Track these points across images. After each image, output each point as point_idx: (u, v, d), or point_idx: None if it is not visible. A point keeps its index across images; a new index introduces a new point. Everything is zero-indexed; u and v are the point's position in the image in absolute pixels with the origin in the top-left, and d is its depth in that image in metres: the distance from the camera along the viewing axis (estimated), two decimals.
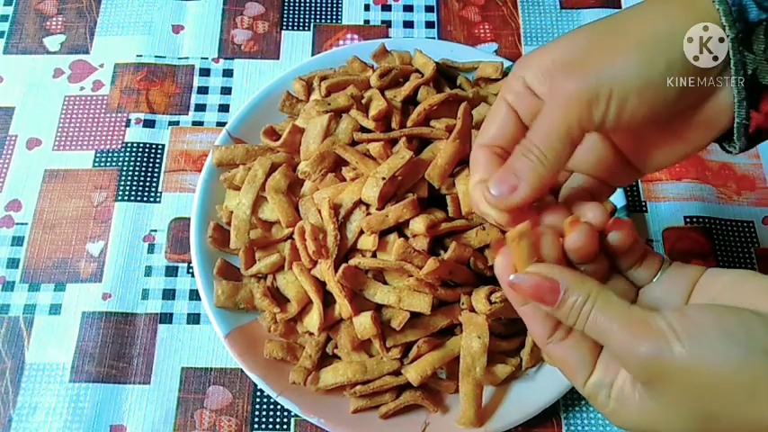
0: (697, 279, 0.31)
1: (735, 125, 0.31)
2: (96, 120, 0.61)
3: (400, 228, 0.48)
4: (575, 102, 0.29)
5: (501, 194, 0.30)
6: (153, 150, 0.59)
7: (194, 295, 0.53)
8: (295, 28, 0.66)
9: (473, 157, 0.33)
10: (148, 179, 0.58)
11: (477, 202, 0.32)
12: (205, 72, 0.63)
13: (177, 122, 0.61)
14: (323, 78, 0.55)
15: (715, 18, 0.29)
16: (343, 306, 0.46)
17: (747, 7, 0.28)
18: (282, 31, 0.66)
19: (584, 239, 0.30)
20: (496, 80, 0.57)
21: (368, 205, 0.48)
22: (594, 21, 0.32)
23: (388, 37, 0.65)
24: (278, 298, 0.49)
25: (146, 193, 0.57)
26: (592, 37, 0.31)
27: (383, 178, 0.46)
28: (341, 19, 0.67)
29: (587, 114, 0.29)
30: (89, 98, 0.62)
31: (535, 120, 0.31)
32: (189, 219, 0.53)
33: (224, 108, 0.62)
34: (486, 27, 0.67)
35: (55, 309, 0.53)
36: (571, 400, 0.50)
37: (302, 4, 0.67)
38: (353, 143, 0.51)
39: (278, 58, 0.64)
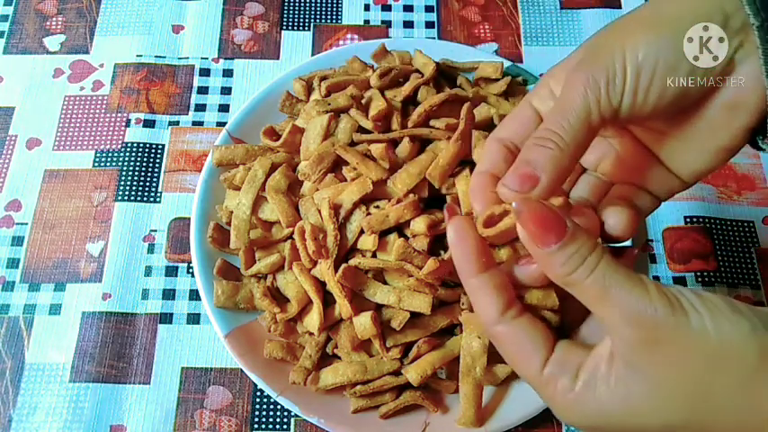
0: None
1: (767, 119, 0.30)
2: (96, 120, 0.61)
3: (400, 228, 0.48)
4: (591, 83, 0.28)
5: (520, 190, 0.28)
6: (153, 150, 0.59)
7: (194, 295, 0.54)
8: (295, 28, 0.66)
9: (485, 148, 0.32)
10: (148, 179, 0.58)
11: (473, 191, 0.31)
12: (205, 72, 0.63)
13: (177, 122, 0.61)
14: (323, 78, 0.55)
15: (736, 6, 0.28)
16: (343, 306, 0.46)
17: None
18: (282, 31, 0.66)
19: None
20: (496, 80, 0.57)
21: (368, 205, 0.48)
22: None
23: (388, 37, 0.65)
24: (278, 298, 0.49)
25: (146, 193, 0.57)
26: (604, 31, 0.31)
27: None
28: (341, 19, 0.67)
29: (605, 96, 0.28)
30: (89, 98, 0.62)
31: (549, 112, 0.30)
32: (189, 219, 0.53)
33: (224, 108, 0.62)
34: (486, 27, 0.67)
35: (55, 309, 0.53)
36: None
37: (302, 4, 0.67)
38: (353, 143, 0.51)
39: (278, 58, 0.64)
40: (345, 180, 0.50)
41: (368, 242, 0.47)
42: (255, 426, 0.49)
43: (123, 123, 0.60)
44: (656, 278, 0.55)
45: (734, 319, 0.26)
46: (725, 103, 0.30)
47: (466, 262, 0.30)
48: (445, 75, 0.58)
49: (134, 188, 0.57)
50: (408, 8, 0.67)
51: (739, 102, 0.30)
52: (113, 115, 0.61)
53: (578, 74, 0.29)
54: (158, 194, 0.57)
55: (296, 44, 0.65)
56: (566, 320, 0.33)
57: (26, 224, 0.56)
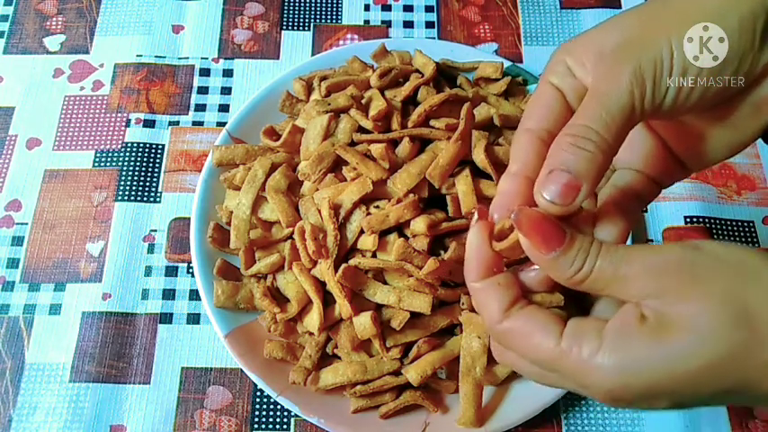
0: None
1: None
2: (96, 120, 0.61)
3: (400, 228, 0.48)
4: (636, 77, 0.27)
5: (563, 203, 0.27)
6: (153, 150, 0.59)
7: (194, 295, 0.53)
8: (295, 28, 0.66)
9: (515, 142, 0.30)
10: (148, 179, 0.58)
11: (503, 196, 0.29)
12: (205, 72, 0.63)
13: (177, 122, 0.61)
14: (323, 78, 0.55)
15: None
16: (343, 306, 0.46)
17: None
18: (282, 31, 0.66)
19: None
20: (496, 80, 0.57)
21: (368, 205, 0.48)
22: (639, 5, 0.31)
23: (388, 37, 0.65)
24: (278, 298, 0.49)
25: (146, 193, 0.57)
26: (642, 17, 0.30)
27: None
28: (341, 19, 0.67)
29: (650, 91, 0.27)
30: (89, 98, 0.62)
31: (583, 102, 0.28)
32: (189, 219, 0.53)
33: (224, 108, 0.62)
34: (486, 27, 0.67)
35: (55, 309, 0.53)
36: (571, 400, 0.50)
37: (302, 4, 0.67)
38: (353, 143, 0.51)
39: (278, 58, 0.64)
40: (345, 180, 0.50)
41: (368, 242, 0.47)
42: (255, 426, 0.49)
43: (123, 123, 0.60)
44: None
45: (739, 245, 0.27)
46: (754, 101, 0.30)
47: (476, 264, 0.29)
48: (445, 75, 0.58)
49: (134, 188, 0.57)
50: (408, 8, 0.67)
51: (765, 101, 0.30)
52: (113, 115, 0.61)
53: (620, 64, 0.28)
54: (158, 194, 0.57)
55: (296, 44, 0.65)
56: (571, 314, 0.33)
57: (26, 224, 0.56)
